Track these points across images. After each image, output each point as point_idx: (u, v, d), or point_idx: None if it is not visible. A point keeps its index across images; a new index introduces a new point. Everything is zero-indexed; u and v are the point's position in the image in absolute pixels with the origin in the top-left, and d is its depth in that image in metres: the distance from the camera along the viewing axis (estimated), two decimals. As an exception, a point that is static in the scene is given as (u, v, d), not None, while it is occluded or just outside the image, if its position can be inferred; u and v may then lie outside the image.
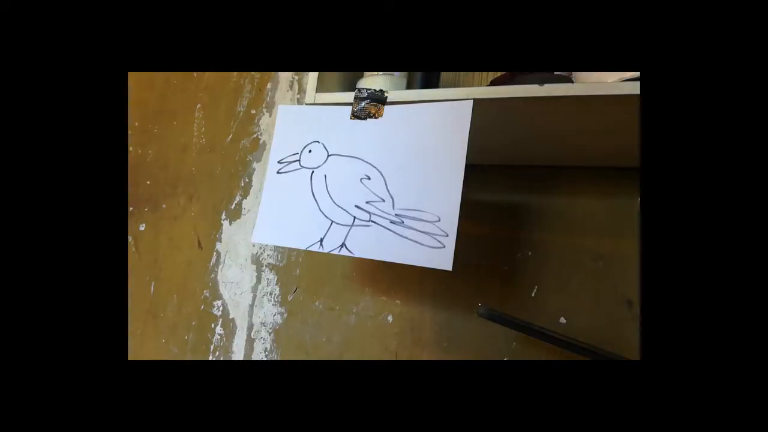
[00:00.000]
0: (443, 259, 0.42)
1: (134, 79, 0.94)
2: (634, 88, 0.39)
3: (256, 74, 0.84)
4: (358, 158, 0.48)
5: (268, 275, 0.77)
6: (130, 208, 0.89)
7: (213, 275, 0.80)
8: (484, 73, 0.65)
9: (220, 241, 0.81)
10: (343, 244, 0.47)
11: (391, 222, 0.45)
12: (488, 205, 0.65)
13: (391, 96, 0.48)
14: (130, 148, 0.92)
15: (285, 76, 0.82)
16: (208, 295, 0.80)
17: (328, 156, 0.49)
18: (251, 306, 0.77)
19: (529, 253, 0.62)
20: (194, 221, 0.84)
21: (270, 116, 0.82)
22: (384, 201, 0.46)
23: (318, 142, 0.50)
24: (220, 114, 0.86)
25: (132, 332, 0.84)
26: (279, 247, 0.77)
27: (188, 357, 0.80)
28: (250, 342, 0.76)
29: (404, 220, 0.44)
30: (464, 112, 0.43)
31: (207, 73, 0.88)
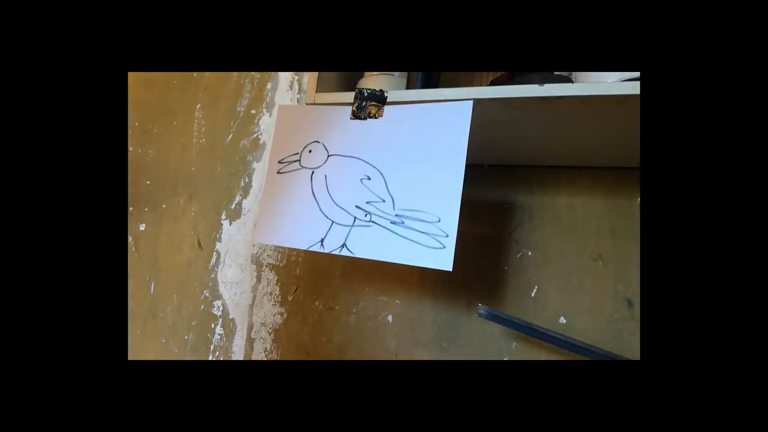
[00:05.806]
0: (443, 260, 0.42)
1: (134, 79, 0.94)
2: (634, 88, 0.39)
3: (256, 74, 0.84)
4: (358, 158, 0.48)
5: (268, 275, 0.77)
6: (130, 208, 0.89)
7: (213, 275, 0.80)
8: (484, 73, 0.65)
9: (220, 241, 0.81)
10: (343, 245, 0.47)
11: (392, 222, 0.45)
12: (488, 205, 0.65)
13: (391, 96, 0.48)
14: (130, 148, 0.92)
15: (285, 76, 0.82)
16: (208, 295, 0.80)
17: (329, 156, 0.49)
18: (251, 306, 0.77)
19: (529, 253, 0.62)
20: (194, 221, 0.84)
21: (270, 116, 0.82)
22: (384, 201, 0.46)
23: (318, 142, 0.50)
24: (220, 114, 0.86)
25: (132, 332, 0.84)
26: (279, 247, 0.77)
27: (188, 357, 0.80)
28: (250, 342, 0.76)
29: (404, 220, 0.44)
30: (464, 112, 0.43)
31: (207, 73, 0.88)
